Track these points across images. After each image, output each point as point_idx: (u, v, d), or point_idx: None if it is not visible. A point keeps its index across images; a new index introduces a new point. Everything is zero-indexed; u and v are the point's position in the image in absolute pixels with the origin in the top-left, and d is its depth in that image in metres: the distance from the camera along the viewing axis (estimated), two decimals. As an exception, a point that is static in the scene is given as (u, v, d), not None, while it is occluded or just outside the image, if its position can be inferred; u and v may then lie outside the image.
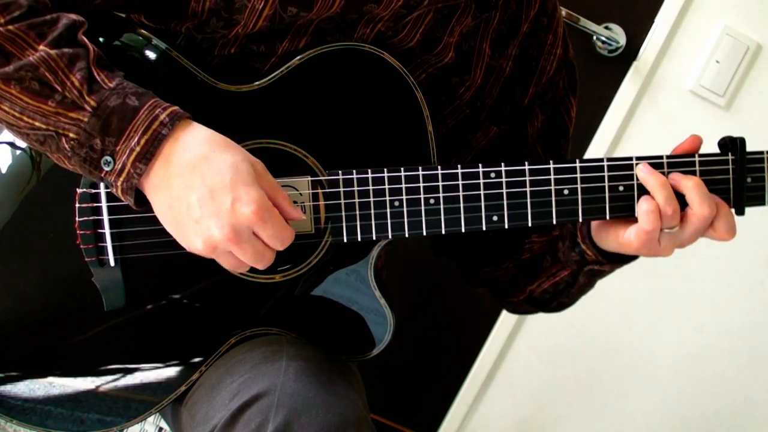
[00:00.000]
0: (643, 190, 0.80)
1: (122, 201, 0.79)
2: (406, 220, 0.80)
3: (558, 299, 0.97)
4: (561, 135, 0.99)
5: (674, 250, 0.80)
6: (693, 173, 0.79)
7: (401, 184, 0.79)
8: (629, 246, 0.80)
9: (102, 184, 0.79)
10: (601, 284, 0.94)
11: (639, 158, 0.80)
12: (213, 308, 0.86)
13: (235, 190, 0.68)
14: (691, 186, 0.77)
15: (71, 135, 0.69)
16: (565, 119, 0.99)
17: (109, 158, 0.69)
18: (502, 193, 0.80)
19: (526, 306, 1.02)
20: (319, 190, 0.80)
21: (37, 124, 0.69)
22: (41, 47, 0.69)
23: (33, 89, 0.68)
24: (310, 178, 0.81)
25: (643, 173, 0.78)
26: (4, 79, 0.68)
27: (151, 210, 0.73)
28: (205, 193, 0.68)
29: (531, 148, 0.98)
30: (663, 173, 0.79)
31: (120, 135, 0.69)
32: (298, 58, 0.82)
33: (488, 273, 1.03)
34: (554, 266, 0.93)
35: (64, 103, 0.68)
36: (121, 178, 0.70)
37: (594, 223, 0.85)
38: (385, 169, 0.79)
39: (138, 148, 0.68)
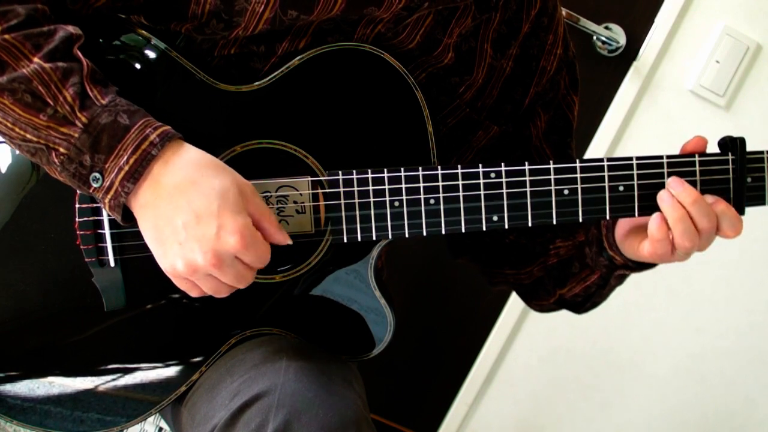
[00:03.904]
0: (642, 190, 0.80)
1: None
2: (406, 220, 0.80)
3: (591, 300, 0.97)
4: (566, 134, 1.00)
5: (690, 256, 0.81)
6: (693, 173, 0.79)
7: (401, 184, 0.79)
8: (644, 257, 0.82)
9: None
10: (601, 284, 0.94)
11: (639, 158, 0.80)
12: (213, 308, 0.86)
13: (221, 217, 0.69)
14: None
15: (61, 150, 0.69)
16: (569, 117, 0.99)
17: (97, 175, 0.69)
18: (502, 193, 0.80)
19: (555, 307, 1.02)
20: (319, 191, 0.80)
21: (28, 136, 0.69)
22: (36, 59, 0.68)
23: (25, 101, 0.68)
24: (310, 179, 0.81)
25: (666, 204, 0.78)
26: None
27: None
28: (192, 217, 0.69)
29: (538, 148, 0.98)
30: (663, 173, 0.79)
31: (110, 153, 0.69)
32: (298, 58, 0.82)
33: (511, 276, 1.03)
34: (583, 271, 0.94)
35: (55, 118, 0.68)
36: (109, 196, 0.70)
37: (618, 233, 0.85)
38: (385, 170, 0.79)
39: (127, 167, 0.69)
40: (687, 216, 0.77)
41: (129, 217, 0.73)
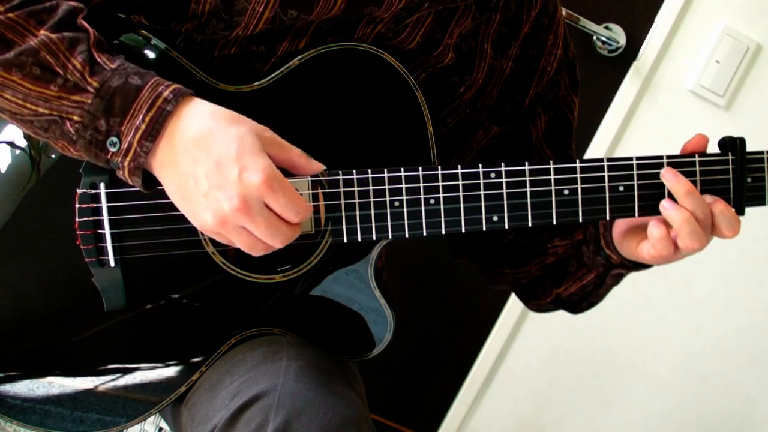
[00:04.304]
0: (642, 190, 0.80)
1: (123, 201, 0.79)
2: (406, 220, 0.80)
3: (587, 300, 0.97)
4: (567, 134, 1.00)
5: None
6: (693, 173, 0.79)
7: (401, 184, 0.79)
8: (644, 260, 0.82)
9: (101, 184, 0.79)
10: (601, 284, 0.94)
11: (639, 158, 0.80)
12: (213, 308, 0.86)
13: (242, 159, 0.67)
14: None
15: (75, 118, 0.69)
16: (569, 118, 0.99)
17: (114, 138, 0.69)
18: (503, 193, 0.80)
19: (551, 306, 1.03)
20: (319, 190, 0.80)
21: (40, 110, 0.69)
22: (41, 32, 0.68)
23: (35, 74, 0.68)
24: (310, 178, 0.81)
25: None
26: (6, 66, 0.68)
27: (158, 195, 0.72)
28: (212, 165, 0.67)
29: (538, 149, 0.98)
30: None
31: (124, 114, 0.68)
32: (298, 58, 0.82)
33: (510, 275, 1.03)
34: (580, 270, 0.94)
35: (66, 87, 0.68)
36: (128, 158, 0.69)
37: (615, 232, 0.86)
38: (385, 169, 0.79)
39: (143, 126, 0.68)
40: (692, 217, 0.77)
41: (149, 183, 0.72)
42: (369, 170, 0.79)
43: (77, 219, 0.79)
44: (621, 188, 0.80)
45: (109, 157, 0.69)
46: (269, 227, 0.69)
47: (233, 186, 0.67)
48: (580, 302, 0.98)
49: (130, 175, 0.70)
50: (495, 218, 0.81)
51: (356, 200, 0.80)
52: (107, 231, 0.80)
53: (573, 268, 0.95)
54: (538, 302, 1.03)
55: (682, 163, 0.80)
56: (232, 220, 0.68)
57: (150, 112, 0.68)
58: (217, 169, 0.67)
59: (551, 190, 0.80)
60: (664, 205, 0.78)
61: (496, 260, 1.04)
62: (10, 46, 0.68)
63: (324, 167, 0.75)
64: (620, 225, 0.85)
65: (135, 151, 0.69)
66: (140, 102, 0.68)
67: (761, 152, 0.81)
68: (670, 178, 0.78)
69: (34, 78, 0.68)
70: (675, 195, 0.78)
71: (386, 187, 0.79)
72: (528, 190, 0.80)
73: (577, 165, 0.80)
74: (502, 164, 0.80)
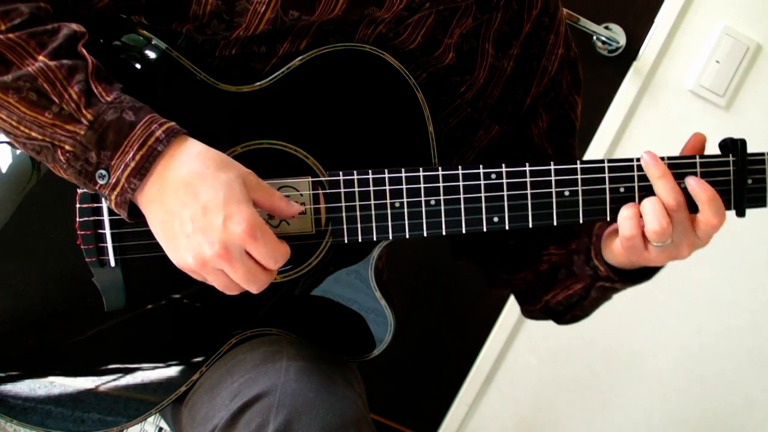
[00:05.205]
0: (643, 192, 0.80)
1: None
2: (406, 221, 0.80)
3: (571, 312, 0.97)
4: (569, 134, 1.00)
5: (671, 258, 0.80)
6: (694, 174, 0.79)
7: (402, 185, 0.79)
8: (620, 255, 0.82)
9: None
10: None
11: (640, 159, 0.80)
12: (213, 308, 0.86)
13: (227, 207, 0.69)
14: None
15: (67, 147, 0.69)
16: (571, 117, 0.99)
17: (104, 172, 0.70)
18: (503, 194, 0.80)
19: (541, 314, 1.02)
20: (320, 191, 0.81)
21: (33, 134, 0.69)
22: (41, 57, 0.69)
23: (30, 99, 0.68)
24: (310, 179, 0.81)
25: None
26: (3, 87, 0.68)
27: (145, 222, 0.73)
28: (198, 209, 0.69)
29: (540, 148, 0.98)
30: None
31: (116, 149, 0.69)
32: (299, 58, 0.82)
33: (506, 280, 1.04)
34: (569, 279, 0.94)
35: (61, 115, 0.69)
36: (115, 193, 0.70)
37: (604, 235, 0.85)
38: (386, 170, 0.79)
39: (133, 164, 0.69)
40: (658, 200, 0.77)
41: (135, 213, 0.73)
42: (370, 171, 0.79)
43: (78, 219, 0.79)
44: (622, 189, 0.80)
45: (97, 188, 0.71)
46: (246, 273, 0.72)
47: (216, 233, 0.69)
48: (564, 313, 0.98)
49: (116, 207, 0.72)
50: (495, 219, 0.81)
51: (357, 201, 0.80)
52: (108, 231, 0.80)
53: (562, 276, 0.95)
54: (529, 308, 1.03)
55: (682, 164, 0.80)
56: (211, 263, 0.70)
57: (141, 150, 0.69)
58: (203, 214, 0.69)
59: (552, 191, 0.80)
60: (647, 200, 0.78)
61: (494, 264, 1.04)
62: (9, 68, 0.68)
63: (303, 209, 0.78)
64: (610, 228, 0.84)
65: (123, 186, 0.70)
66: (132, 139, 0.69)
67: (762, 153, 0.81)
68: (648, 160, 0.79)
69: (30, 103, 0.68)
70: (650, 178, 0.78)
71: (387, 187, 0.79)
72: (528, 191, 0.80)
73: (578, 166, 0.80)
74: (503, 165, 0.80)
